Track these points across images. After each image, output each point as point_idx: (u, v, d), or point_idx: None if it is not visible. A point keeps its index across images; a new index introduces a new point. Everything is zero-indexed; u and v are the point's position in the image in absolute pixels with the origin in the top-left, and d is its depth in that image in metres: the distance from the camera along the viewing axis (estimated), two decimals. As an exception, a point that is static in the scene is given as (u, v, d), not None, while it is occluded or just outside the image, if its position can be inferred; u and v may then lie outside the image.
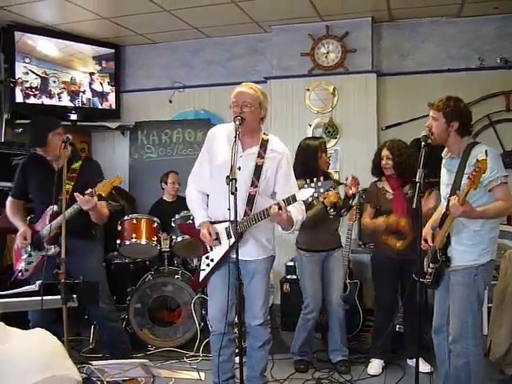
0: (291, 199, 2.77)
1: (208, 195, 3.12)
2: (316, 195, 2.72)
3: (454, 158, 2.93)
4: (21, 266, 3.46)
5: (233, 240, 2.90)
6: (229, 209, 2.62)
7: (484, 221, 2.81)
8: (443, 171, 3.05)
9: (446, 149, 3.00)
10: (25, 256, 3.46)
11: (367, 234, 4.66)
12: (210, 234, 2.97)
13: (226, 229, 2.95)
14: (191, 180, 3.17)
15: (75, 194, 3.17)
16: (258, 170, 2.94)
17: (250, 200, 2.94)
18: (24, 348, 1.29)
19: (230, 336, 3.14)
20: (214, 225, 3.02)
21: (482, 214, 2.74)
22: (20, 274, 3.44)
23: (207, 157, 3.06)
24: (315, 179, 2.70)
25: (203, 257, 3.12)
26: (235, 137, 2.77)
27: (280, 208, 2.74)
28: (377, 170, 3.88)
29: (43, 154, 3.41)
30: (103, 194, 3.23)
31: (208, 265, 3.08)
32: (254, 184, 2.94)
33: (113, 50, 6.14)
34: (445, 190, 2.99)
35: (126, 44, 6.20)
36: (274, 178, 3.00)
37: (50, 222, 3.32)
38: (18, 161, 4.91)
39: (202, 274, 3.12)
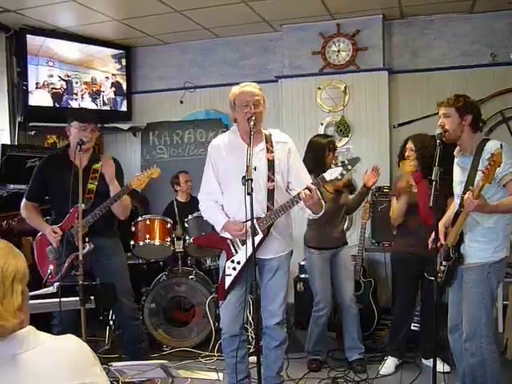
0: (320, 181, 2.86)
1: (222, 205, 3.14)
2: (345, 172, 2.81)
3: (466, 155, 2.92)
4: (50, 268, 3.42)
5: (258, 238, 2.94)
6: (251, 209, 2.63)
7: (498, 217, 2.80)
8: (456, 169, 3.04)
9: (457, 147, 3.00)
10: (53, 258, 3.43)
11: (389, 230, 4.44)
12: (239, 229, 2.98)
13: (251, 227, 2.86)
14: (204, 193, 3.20)
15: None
16: (271, 164, 3.02)
17: (271, 195, 3.00)
18: (53, 354, 1.29)
19: (242, 337, 3.17)
20: None
21: (496, 208, 2.73)
22: (50, 277, 3.40)
23: (213, 170, 3.13)
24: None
25: (227, 262, 3.08)
26: (250, 137, 2.81)
27: (310, 190, 2.80)
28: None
29: (88, 139, 3.37)
30: (140, 188, 3.24)
31: (234, 268, 3.05)
32: (270, 179, 3.00)
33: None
34: (458, 187, 2.98)
35: (137, 45, 6.21)
36: (286, 169, 3.08)
37: (79, 220, 3.27)
38: (32, 163, 4.95)
39: (228, 280, 3.06)
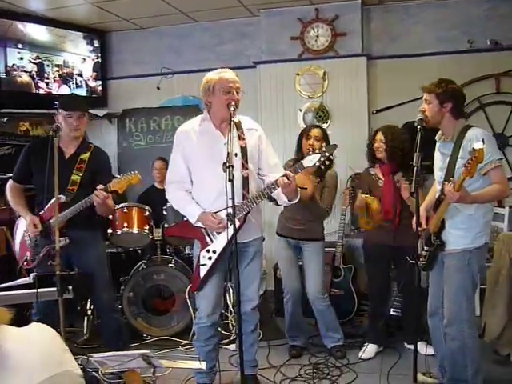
0: (298, 168, 2.84)
1: (191, 192, 3.11)
2: (322, 159, 2.77)
3: (447, 141, 2.92)
4: (27, 254, 3.40)
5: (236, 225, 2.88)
6: (231, 198, 2.55)
7: (478, 205, 2.82)
8: (437, 155, 3.05)
9: (439, 132, 3.00)
10: (31, 245, 3.38)
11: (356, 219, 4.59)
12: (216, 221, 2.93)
13: (228, 215, 2.87)
14: (171, 182, 3.14)
15: (98, 187, 3.13)
16: (244, 151, 2.97)
17: (245, 182, 2.95)
18: (27, 346, 1.26)
19: (216, 325, 3.20)
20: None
21: (476, 198, 2.74)
22: (25, 263, 3.39)
23: (182, 156, 3.07)
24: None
25: (202, 252, 3.02)
26: (230, 124, 2.77)
27: (288, 178, 2.80)
28: (370, 154, 3.86)
29: (74, 127, 3.29)
30: (119, 191, 3.19)
31: (210, 258, 3.00)
32: (244, 166, 2.96)
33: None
34: (439, 173, 3.00)
35: (112, 30, 6.08)
36: (257, 155, 3.07)
37: (59, 212, 3.16)
38: (5, 151, 4.84)
39: (204, 270, 3.01)
